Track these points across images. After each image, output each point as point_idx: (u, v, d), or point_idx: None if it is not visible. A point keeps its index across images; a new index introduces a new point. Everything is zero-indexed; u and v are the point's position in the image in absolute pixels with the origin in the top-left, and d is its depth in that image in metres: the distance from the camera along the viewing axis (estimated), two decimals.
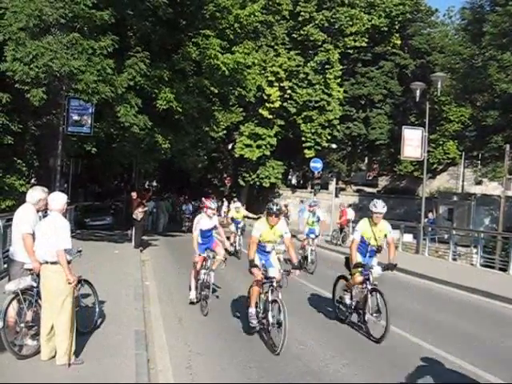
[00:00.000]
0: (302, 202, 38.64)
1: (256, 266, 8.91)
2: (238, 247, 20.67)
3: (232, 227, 21.63)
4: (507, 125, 30.02)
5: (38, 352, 6.99)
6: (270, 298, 8.70)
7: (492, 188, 41.42)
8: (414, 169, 44.11)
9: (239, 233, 21.31)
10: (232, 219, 22.09)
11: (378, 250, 9.79)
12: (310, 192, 39.30)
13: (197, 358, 7.94)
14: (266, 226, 9.15)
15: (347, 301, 9.94)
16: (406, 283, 15.97)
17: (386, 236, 9.77)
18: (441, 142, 43.85)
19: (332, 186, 43.40)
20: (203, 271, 11.36)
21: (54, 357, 6.85)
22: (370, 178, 57.23)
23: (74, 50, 16.77)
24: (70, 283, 6.78)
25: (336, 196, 33.70)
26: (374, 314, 9.16)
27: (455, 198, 36.04)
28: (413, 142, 24.95)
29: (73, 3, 16.55)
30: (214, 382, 7.04)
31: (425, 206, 25.06)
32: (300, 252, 17.26)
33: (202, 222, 11.69)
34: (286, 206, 43.40)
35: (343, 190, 47.36)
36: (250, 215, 22.64)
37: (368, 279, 9.36)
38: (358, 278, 9.57)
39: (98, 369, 6.74)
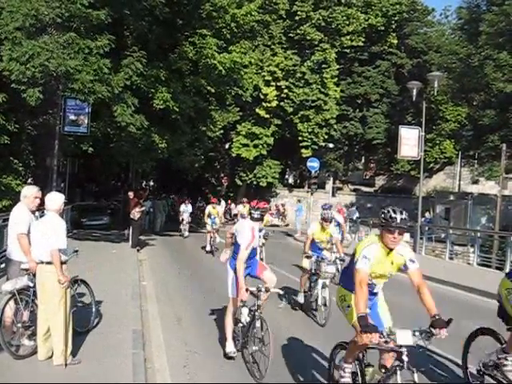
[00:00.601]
0: (299, 201, 38.70)
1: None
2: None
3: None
4: (504, 124, 30.10)
5: (34, 352, 6.98)
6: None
7: (489, 187, 41.49)
8: (411, 168, 44.13)
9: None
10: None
11: None
12: (307, 191, 39.30)
13: (194, 357, 7.94)
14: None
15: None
16: (402, 282, 15.97)
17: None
18: (437, 142, 43.90)
19: (329, 186, 43.56)
20: (245, 310, 7.86)
21: (50, 357, 6.84)
22: (367, 177, 57.25)
23: (71, 49, 16.76)
24: (61, 283, 6.75)
25: (333, 195, 33.80)
26: None
27: (452, 198, 36.09)
28: (409, 142, 24.96)
29: (69, 3, 16.54)
30: (211, 382, 7.03)
31: (422, 205, 25.07)
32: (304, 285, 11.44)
33: (247, 232, 7.84)
34: (282, 205, 43.59)
35: (340, 189, 47.45)
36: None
37: None
38: None
39: (95, 368, 6.74)
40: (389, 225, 5.38)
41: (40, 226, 7.03)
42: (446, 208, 34.52)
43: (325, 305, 10.25)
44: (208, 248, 21.14)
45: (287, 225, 39.81)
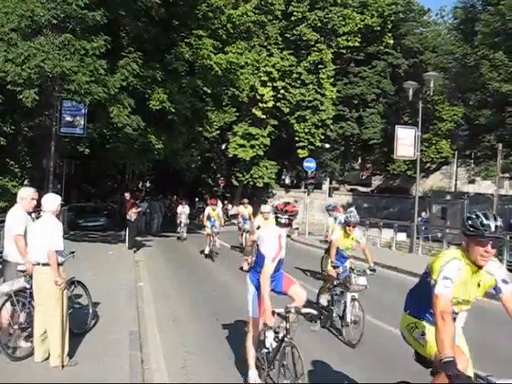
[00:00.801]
0: (295, 201, 38.69)
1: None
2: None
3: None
4: (500, 124, 30.16)
5: (31, 354, 6.96)
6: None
7: (485, 187, 41.61)
8: (408, 168, 44.25)
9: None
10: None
11: None
12: (304, 192, 39.34)
13: (192, 358, 7.94)
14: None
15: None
16: (399, 282, 16.00)
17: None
18: (434, 141, 44.02)
19: (326, 186, 43.58)
20: (270, 334, 6.47)
21: (47, 359, 6.83)
22: (364, 177, 57.39)
23: (67, 50, 16.73)
24: (58, 285, 6.72)
25: (330, 196, 33.81)
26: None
27: (448, 197, 36.14)
28: (406, 142, 25.00)
29: (65, 4, 16.51)
30: (210, 383, 7.02)
31: (418, 204, 25.10)
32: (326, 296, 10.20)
33: (273, 241, 6.54)
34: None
35: (337, 189, 47.53)
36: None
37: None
38: None
39: (92, 370, 6.73)
40: (480, 234, 4.16)
41: (37, 227, 7.02)
42: (443, 208, 34.56)
43: (355, 322, 8.99)
44: (207, 251, 19.85)
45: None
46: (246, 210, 21.72)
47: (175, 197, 45.02)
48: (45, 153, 21.09)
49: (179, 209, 27.25)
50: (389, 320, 10.01)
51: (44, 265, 6.77)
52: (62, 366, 6.68)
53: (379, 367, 7.70)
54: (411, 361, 5.00)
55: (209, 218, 20.36)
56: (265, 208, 16.16)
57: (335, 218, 14.20)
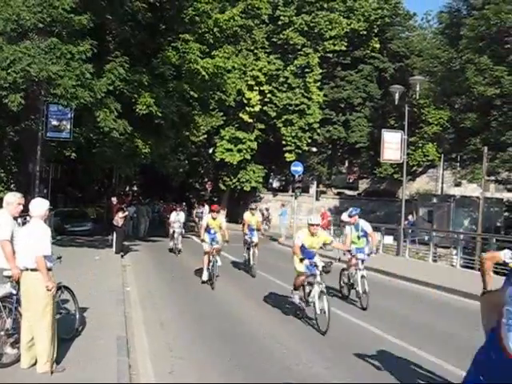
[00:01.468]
0: (283, 205, 38.73)
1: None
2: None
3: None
4: (485, 127, 30.37)
5: (17, 360, 6.91)
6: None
7: (471, 189, 41.85)
8: (394, 171, 44.37)
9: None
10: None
11: None
12: (291, 195, 39.38)
13: (179, 362, 7.92)
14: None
15: None
16: (386, 285, 16.08)
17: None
18: (420, 145, 44.20)
19: (313, 190, 43.66)
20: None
21: (34, 365, 6.78)
22: (351, 180, 57.51)
23: (53, 54, 16.69)
24: (49, 290, 6.70)
25: (317, 199, 33.88)
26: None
27: (435, 200, 36.35)
28: (392, 145, 25.15)
29: (51, 7, 16.48)
30: (201, 383, 7.01)
31: (405, 208, 25.23)
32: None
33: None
34: (267, 209, 43.62)
35: (324, 193, 47.58)
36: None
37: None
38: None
39: (79, 376, 6.69)
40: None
41: (25, 232, 6.97)
42: (429, 210, 34.75)
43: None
44: (205, 277, 14.83)
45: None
46: (253, 218, 17.84)
47: (161, 202, 44.84)
48: (31, 157, 20.99)
49: (172, 216, 22.86)
50: (370, 320, 10.09)
51: (32, 270, 6.73)
52: (51, 372, 6.64)
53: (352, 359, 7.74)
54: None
55: (208, 229, 15.37)
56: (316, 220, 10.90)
57: (356, 226, 12.97)
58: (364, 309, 11.82)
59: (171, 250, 22.83)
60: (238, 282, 15.96)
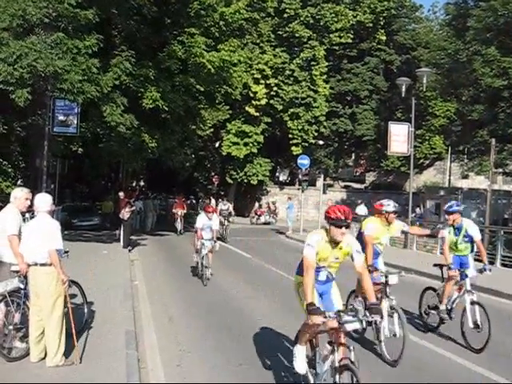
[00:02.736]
0: (289, 198, 38.70)
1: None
2: None
3: None
4: (492, 119, 30.23)
5: (27, 354, 6.95)
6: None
7: (478, 182, 41.77)
8: (401, 164, 44.30)
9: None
10: None
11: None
12: (298, 189, 39.34)
13: (187, 356, 7.93)
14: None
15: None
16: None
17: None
18: (427, 137, 44.09)
19: (320, 183, 43.53)
20: None
21: (43, 358, 6.82)
22: (358, 173, 57.47)
23: (59, 49, 16.70)
24: (64, 283, 6.79)
25: (324, 192, 33.71)
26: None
27: (442, 193, 36.28)
28: (399, 138, 25.05)
29: (56, 2, 16.48)
30: (205, 382, 7.02)
31: (412, 200, 25.18)
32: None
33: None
34: (273, 203, 43.63)
35: (331, 186, 47.51)
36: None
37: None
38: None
39: (88, 369, 6.71)
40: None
41: (33, 227, 6.99)
42: (437, 203, 34.69)
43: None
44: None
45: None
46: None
47: (171, 196, 44.68)
48: (38, 152, 21.02)
49: (201, 221, 14.60)
50: None
51: (42, 265, 6.75)
52: (59, 366, 6.66)
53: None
54: None
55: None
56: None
57: (458, 228, 9.39)
58: (478, 350, 8.22)
59: (195, 273, 15.11)
60: (247, 277, 15.96)
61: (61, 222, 24.93)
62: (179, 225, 28.38)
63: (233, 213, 25.32)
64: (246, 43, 35.95)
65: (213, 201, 33.76)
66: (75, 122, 20.61)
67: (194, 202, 41.44)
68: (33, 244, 6.84)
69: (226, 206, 27.36)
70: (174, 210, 29.38)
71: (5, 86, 16.39)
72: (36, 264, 6.79)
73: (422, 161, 45.66)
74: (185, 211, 29.27)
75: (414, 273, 16.30)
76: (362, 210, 31.19)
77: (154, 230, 29.78)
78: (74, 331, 7.01)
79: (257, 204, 45.07)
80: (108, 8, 19.60)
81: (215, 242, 14.40)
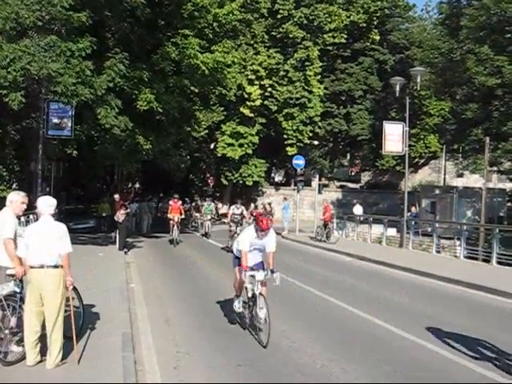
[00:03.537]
0: (285, 199, 38.70)
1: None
2: None
3: None
4: (486, 117, 30.33)
5: (23, 358, 6.91)
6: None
7: (473, 180, 41.89)
8: (396, 163, 44.41)
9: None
10: None
11: None
12: (293, 189, 39.38)
13: (184, 358, 7.92)
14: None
15: None
16: (390, 277, 16.07)
17: None
18: (422, 136, 44.23)
19: (315, 183, 43.59)
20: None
21: (39, 362, 6.80)
22: (353, 173, 57.55)
23: (52, 52, 16.67)
24: (72, 285, 7.05)
25: (319, 192, 33.75)
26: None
27: (437, 191, 36.34)
28: (394, 137, 25.07)
29: (49, 5, 16.45)
30: (203, 383, 7.01)
31: (407, 199, 25.20)
32: None
33: None
34: (269, 204, 43.60)
35: (326, 186, 47.58)
36: None
37: None
38: None
39: (85, 372, 6.70)
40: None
41: (39, 230, 6.96)
42: (432, 202, 34.75)
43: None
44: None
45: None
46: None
47: (166, 198, 44.58)
48: (32, 156, 21.00)
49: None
50: (374, 312, 10.07)
51: (48, 267, 6.75)
52: (57, 368, 6.65)
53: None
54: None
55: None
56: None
57: None
58: None
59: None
60: None
61: None
62: (175, 233, 24.24)
63: (246, 217, 23.80)
64: (240, 44, 35.99)
65: (220, 205, 33.17)
66: (69, 124, 20.57)
67: (191, 204, 41.19)
68: (41, 247, 6.81)
69: (240, 209, 25.33)
70: (169, 216, 24.95)
71: None
72: (43, 266, 6.76)
73: (416, 160, 45.80)
74: (182, 216, 25.55)
75: (410, 272, 16.41)
76: (357, 209, 31.25)
77: (149, 233, 29.75)
78: (74, 334, 6.99)
79: (252, 205, 45.06)
80: (101, 10, 19.58)
81: (273, 272, 9.15)
